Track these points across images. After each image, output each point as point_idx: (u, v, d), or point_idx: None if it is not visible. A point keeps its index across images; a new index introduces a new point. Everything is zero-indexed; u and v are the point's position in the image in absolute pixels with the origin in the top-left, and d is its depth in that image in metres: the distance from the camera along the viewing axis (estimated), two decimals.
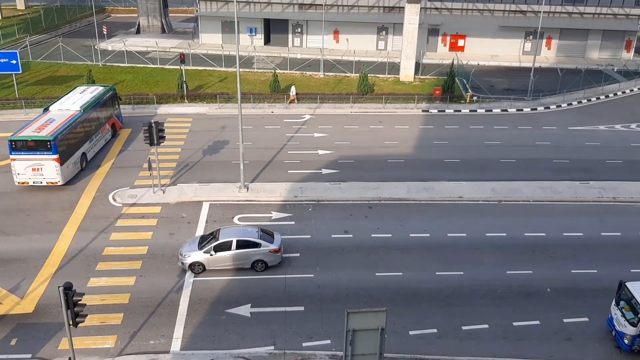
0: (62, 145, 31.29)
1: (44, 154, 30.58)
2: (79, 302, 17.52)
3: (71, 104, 35.12)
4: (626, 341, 20.88)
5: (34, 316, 22.32)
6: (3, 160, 35.33)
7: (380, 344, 15.71)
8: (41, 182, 31.20)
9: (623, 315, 21.10)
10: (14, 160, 30.73)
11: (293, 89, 46.17)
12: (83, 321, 17.91)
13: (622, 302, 21.43)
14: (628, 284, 21.48)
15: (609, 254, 27.12)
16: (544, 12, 52.72)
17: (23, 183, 31.20)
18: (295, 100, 45.92)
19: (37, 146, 30.57)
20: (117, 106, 39.86)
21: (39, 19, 72.43)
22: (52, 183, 31.28)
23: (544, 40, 62.20)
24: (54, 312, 22.33)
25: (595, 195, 32.50)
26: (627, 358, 21.12)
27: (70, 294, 17.20)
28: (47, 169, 30.89)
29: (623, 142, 40.64)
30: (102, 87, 39.07)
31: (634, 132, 42.88)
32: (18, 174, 30.92)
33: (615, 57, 62.38)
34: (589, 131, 42.55)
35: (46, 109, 35.02)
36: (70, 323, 17.59)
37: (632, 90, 52.27)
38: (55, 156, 30.75)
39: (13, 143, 30.57)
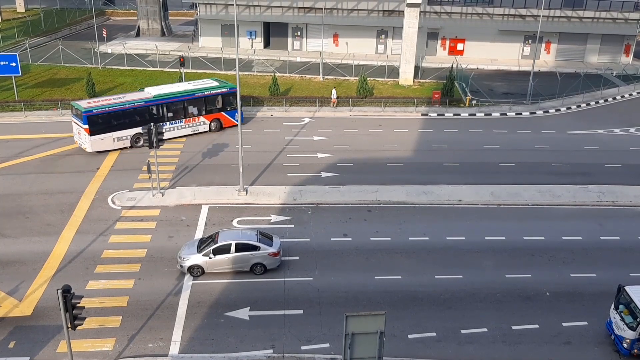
0: (97, 120, 35.85)
1: (82, 124, 35.82)
2: (78, 305, 17.49)
3: (156, 90, 39.23)
4: (625, 345, 20.87)
5: (33, 319, 22.27)
6: (2, 162, 35.37)
7: (379, 347, 15.68)
8: (80, 145, 37.12)
9: (622, 319, 21.10)
10: (73, 121, 37.15)
11: (334, 92, 46.60)
12: (82, 324, 17.88)
13: (621, 306, 21.43)
14: (627, 288, 21.48)
15: (608, 258, 27.12)
16: (543, 16, 52.80)
17: (77, 143, 37.55)
18: (336, 103, 46.26)
19: (79, 115, 35.92)
20: (231, 105, 40.66)
21: (39, 22, 72.52)
22: (84, 148, 36.86)
23: (543, 44, 62.37)
24: (53, 315, 22.28)
25: (594, 199, 32.52)
26: None
27: (68, 296, 17.17)
28: (83, 136, 36.43)
29: (622, 146, 40.70)
30: (212, 84, 40.93)
31: (633, 136, 42.94)
32: (75, 133, 37.51)
33: (614, 61, 62.53)
34: (588, 135, 42.61)
35: (141, 89, 40.65)
36: (69, 326, 17.56)
37: (631, 95, 52.39)
38: (86, 127, 35.61)
39: (73, 109, 36.96)
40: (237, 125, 38.45)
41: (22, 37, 63.82)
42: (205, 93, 39.98)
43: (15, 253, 26.31)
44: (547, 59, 62.73)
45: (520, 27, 60.62)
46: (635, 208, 31.99)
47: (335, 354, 20.86)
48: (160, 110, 38.44)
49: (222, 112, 40.85)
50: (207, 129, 40.65)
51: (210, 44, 63.51)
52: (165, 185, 32.68)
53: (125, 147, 37.61)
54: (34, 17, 75.96)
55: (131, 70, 54.73)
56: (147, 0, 67.31)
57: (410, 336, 21.97)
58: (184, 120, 39.59)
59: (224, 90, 40.54)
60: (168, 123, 38.72)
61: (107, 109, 36.35)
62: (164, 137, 35.30)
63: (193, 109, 39.76)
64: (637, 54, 64.93)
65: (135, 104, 37.42)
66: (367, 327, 15.46)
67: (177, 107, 39.14)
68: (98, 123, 36.06)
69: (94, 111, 35.84)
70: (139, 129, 36.43)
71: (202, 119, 40.25)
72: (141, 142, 36.78)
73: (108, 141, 36.83)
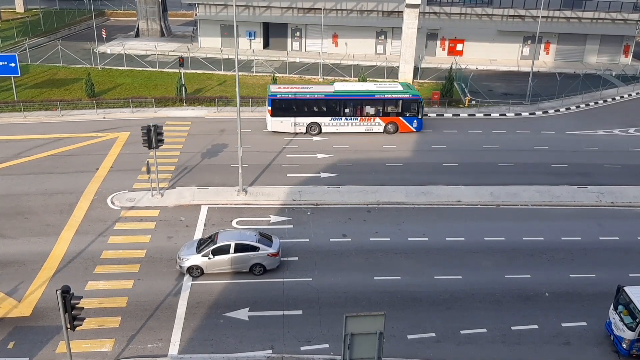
0: (280, 104, 39.43)
1: (267, 105, 40.28)
2: (77, 306, 17.49)
3: (340, 86, 41.70)
4: (624, 345, 20.88)
5: (32, 319, 22.26)
6: (1, 163, 35.35)
7: (378, 348, 15.68)
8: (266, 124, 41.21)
9: (621, 319, 21.11)
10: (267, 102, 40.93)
11: None
12: (81, 324, 17.88)
13: (620, 307, 21.44)
14: (626, 289, 21.49)
15: (607, 259, 27.14)
16: (542, 16, 52.85)
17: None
18: None
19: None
20: (410, 110, 41.02)
21: (38, 22, 72.49)
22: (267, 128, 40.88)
23: (542, 45, 62.42)
24: (52, 316, 22.27)
25: (593, 200, 32.55)
26: None
27: (68, 297, 17.16)
28: (266, 117, 40.78)
29: (621, 146, 40.73)
30: (396, 88, 41.78)
31: (632, 136, 42.98)
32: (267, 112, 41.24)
33: (614, 61, 62.59)
34: (587, 135, 42.64)
35: (331, 83, 43.84)
36: (68, 326, 17.55)
37: (630, 95, 52.42)
38: (269, 108, 39.86)
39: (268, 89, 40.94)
40: (413, 131, 41.30)
41: (22, 38, 63.80)
42: (386, 96, 40.85)
43: (14, 253, 26.29)
44: (547, 60, 62.78)
45: (520, 28, 60.65)
46: (635, 208, 32.01)
47: (335, 355, 20.86)
48: (338, 105, 40.42)
49: (400, 117, 41.23)
50: (382, 131, 41.44)
51: (209, 45, 63.51)
52: (164, 186, 32.67)
53: (300, 133, 40.55)
54: (33, 17, 75.95)
55: (130, 71, 54.72)
56: (147, 0, 67.31)
57: (409, 337, 21.98)
58: (359, 118, 40.90)
59: (406, 96, 40.92)
60: (344, 118, 40.59)
61: (289, 95, 39.86)
62: (339, 131, 40.66)
63: (370, 109, 40.90)
64: (636, 55, 64.98)
65: (316, 95, 40.32)
66: (366, 328, 15.46)
67: (355, 104, 40.57)
68: (280, 107, 39.73)
69: (278, 96, 39.72)
70: (315, 119, 40.34)
71: (377, 120, 41.19)
72: (316, 131, 40.51)
73: (286, 124, 40.26)
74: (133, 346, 21.16)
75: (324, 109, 40.38)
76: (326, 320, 22.60)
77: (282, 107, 39.76)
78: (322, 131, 40.76)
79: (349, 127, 40.91)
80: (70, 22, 74.28)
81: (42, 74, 52.97)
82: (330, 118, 40.59)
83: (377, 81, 44.18)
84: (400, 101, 40.83)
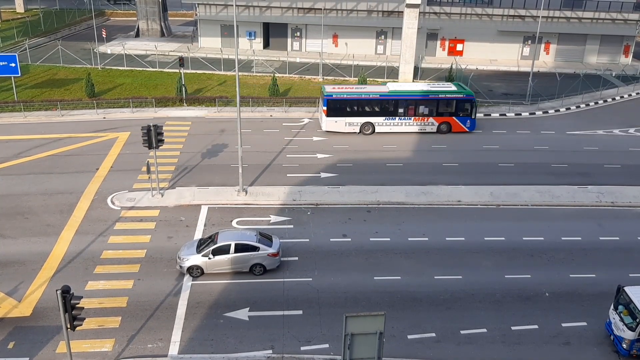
0: (335, 104, 39.91)
1: (323, 105, 40.73)
2: (77, 306, 17.48)
3: (394, 86, 42.23)
4: (624, 346, 20.87)
5: (32, 319, 22.26)
6: (2, 163, 35.36)
7: (378, 348, 15.68)
8: (320, 123, 41.93)
9: (621, 319, 21.10)
10: (320, 102, 41.99)
11: None
12: (81, 324, 17.87)
13: (620, 307, 21.43)
14: (626, 289, 21.49)
15: (608, 259, 27.14)
16: (542, 16, 52.84)
17: (320, 121, 42.22)
18: None
19: (323, 97, 40.57)
20: (463, 110, 41.36)
21: (39, 22, 72.52)
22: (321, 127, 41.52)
23: (543, 45, 62.42)
24: (52, 316, 22.28)
25: (593, 200, 32.55)
26: None
27: (68, 297, 17.16)
28: (321, 116, 41.41)
29: (621, 146, 40.73)
30: (450, 88, 41.89)
31: (632, 136, 42.98)
32: (319, 112, 42.50)
33: (614, 61, 62.59)
34: (587, 135, 42.64)
35: (384, 84, 43.86)
36: (68, 326, 17.55)
37: (630, 95, 52.42)
38: (324, 108, 40.26)
39: (322, 89, 41.59)
40: (466, 131, 41.81)
41: (22, 38, 63.82)
42: (440, 96, 41.13)
43: (14, 253, 26.30)
44: (547, 60, 62.78)
45: (520, 28, 60.66)
46: (635, 208, 32.01)
47: (335, 355, 20.86)
48: (392, 105, 40.87)
49: (453, 117, 41.55)
50: (435, 130, 41.78)
51: (209, 45, 63.52)
52: (164, 186, 32.67)
53: (354, 132, 40.89)
54: (34, 17, 75.99)
55: (130, 71, 54.73)
56: (147, 0, 67.32)
57: (409, 337, 21.98)
58: (412, 118, 41.32)
59: (460, 96, 41.21)
60: (397, 118, 41.06)
61: (344, 95, 40.28)
62: (392, 131, 41.17)
63: (424, 109, 41.25)
64: (636, 55, 64.98)
65: (371, 96, 40.62)
66: (366, 328, 15.46)
67: (409, 104, 41.00)
68: (335, 107, 40.20)
69: (333, 96, 40.14)
70: (369, 118, 40.81)
71: (431, 119, 41.55)
72: (369, 130, 40.99)
73: (340, 124, 40.73)
74: (133, 346, 21.17)
75: (378, 109, 40.82)
76: (326, 320, 22.60)
77: (337, 107, 40.28)
78: (376, 131, 41.20)
79: (403, 126, 41.39)
80: (71, 22, 74.30)
81: (42, 74, 52.98)
82: (384, 118, 41.05)
83: (430, 83, 44.15)
84: (454, 101, 41.22)
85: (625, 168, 37.00)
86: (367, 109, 40.83)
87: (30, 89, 48.65)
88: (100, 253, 26.47)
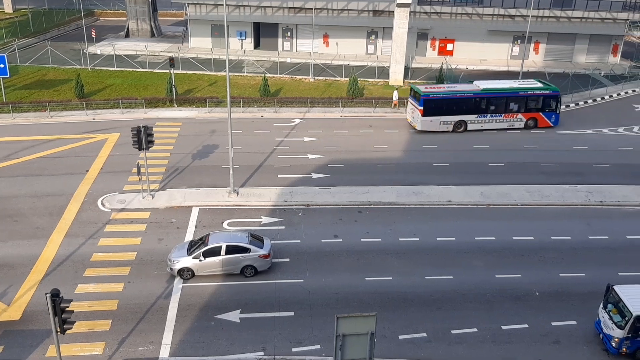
0: (431, 103, 40.67)
1: (418, 105, 41.07)
2: (67, 309, 17.42)
3: (484, 84, 42.71)
4: (614, 344, 21.03)
5: (21, 323, 22.13)
6: (1, 162, 35.18)
7: (370, 348, 15.71)
8: (412, 122, 42.64)
9: (611, 318, 21.26)
10: (410, 102, 42.84)
11: (395, 93, 46.74)
12: (71, 328, 17.81)
13: (609, 305, 21.60)
14: (616, 287, 21.65)
15: (597, 258, 27.33)
16: (532, 16, 53.06)
17: (408, 119, 43.22)
18: (397, 105, 46.39)
19: (417, 97, 41.32)
20: (549, 106, 42.75)
21: (27, 23, 72.00)
22: (414, 126, 42.17)
23: (532, 45, 62.68)
24: (42, 319, 22.14)
25: (582, 199, 32.75)
26: None
27: (57, 300, 17.09)
28: (415, 115, 41.72)
29: (611, 145, 41.01)
30: (536, 85, 43.10)
31: (621, 135, 43.28)
32: (408, 112, 43.26)
33: (602, 61, 62.97)
34: (577, 135, 42.89)
35: (470, 82, 44.69)
36: (58, 330, 17.48)
37: (619, 94, 52.77)
38: (421, 108, 40.74)
39: (411, 91, 42.67)
40: (551, 126, 43.30)
41: (10, 38, 63.29)
42: (528, 92, 42.27)
43: (3, 257, 26.12)
44: (536, 59, 63.08)
45: (510, 27, 60.89)
46: (623, 207, 32.24)
47: (326, 356, 20.88)
48: (484, 103, 41.94)
49: (540, 113, 42.87)
50: (522, 126, 43.04)
51: (200, 45, 63.31)
52: (155, 188, 32.55)
53: (448, 131, 41.83)
54: (22, 17, 75.44)
55: (120, 72, 54.47)
56: (136, 0, 67.02)
57: (400, 337, 22.03)
58: (503, 115, 42.45)
59: (547, 92, 42.49)
60: (489, 115, 42.20)
61: (440, 95, 41.21)
62: (483, 128, 42.36)
63: (514, 106, 42.39)
64: (625, 54, 65.42)
65: (465, 94, 41.69)
66: (358, 329, 15.49)
67: (500, 102, 42.10)
68: (431, 107, 40.92)
69: (430, 96, 40.89)
70: (462, 117, 41.73)
71: (519, 116, 42.76)
72: (462, 128, 41.97)
73: (435, 123, 41.55)
74: (124, 349, 21.08)
75: (471, 106, 41.77)
76: (318, 321, 22.61)
77: (433, 106, 41.02)
78: (468, 128, 42.17)
79: (493, 123, 42.47)
80: (60, 23, 73.79)
81: (32, 75, 52.62)
82: (476, 115, 42.05)
83: (517, 80, 44.87)
84: (542, 97, 42.43)
85: (614, 167, 37.25)
86: (460, 107, 41.79)
87: (19, 90, 48.31)
88: (90, 256, 26.34)
